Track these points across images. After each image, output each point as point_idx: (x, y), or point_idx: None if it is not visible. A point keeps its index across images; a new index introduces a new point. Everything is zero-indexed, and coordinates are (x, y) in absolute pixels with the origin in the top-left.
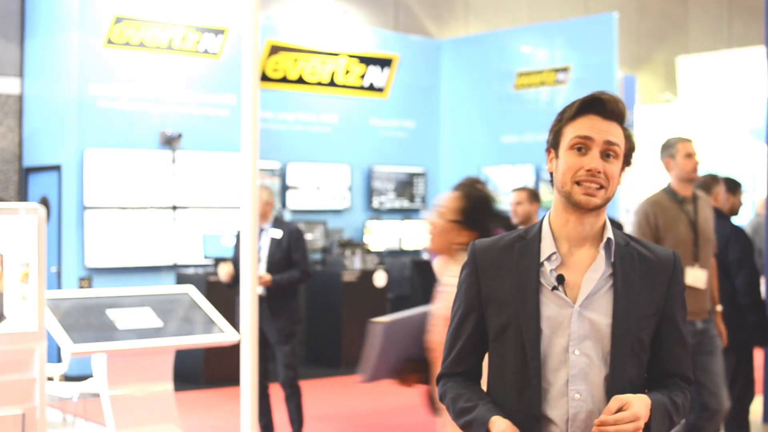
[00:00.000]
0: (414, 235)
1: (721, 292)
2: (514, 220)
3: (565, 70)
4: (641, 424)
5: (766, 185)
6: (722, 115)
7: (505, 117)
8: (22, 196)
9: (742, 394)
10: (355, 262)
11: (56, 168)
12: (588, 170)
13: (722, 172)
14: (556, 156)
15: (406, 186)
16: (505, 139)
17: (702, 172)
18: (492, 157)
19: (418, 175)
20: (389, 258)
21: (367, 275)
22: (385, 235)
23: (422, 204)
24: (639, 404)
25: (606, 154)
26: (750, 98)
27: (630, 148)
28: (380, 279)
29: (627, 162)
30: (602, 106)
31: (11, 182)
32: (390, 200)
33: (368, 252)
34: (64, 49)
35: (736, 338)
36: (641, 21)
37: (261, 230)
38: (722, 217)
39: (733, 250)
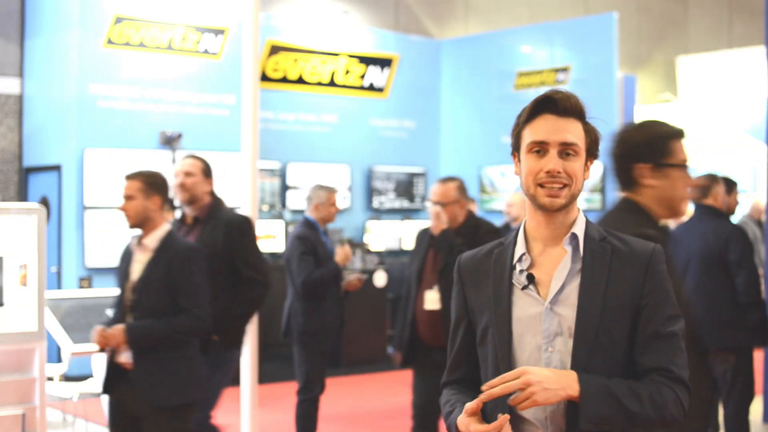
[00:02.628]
0: (414, 235)
1: (721, 292)
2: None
3: (565, 70)
4: (534, 390)
5: (766, 185)
6: (722, 115)
7: (505, 117)
8: (22, 196)
9: (742, 394)
10: (355, 262)
11: (56, 168)
12: (547, 172)
13: (720, 172)
14: (519, 160)
15: (406, 186)
16: (505, 139)
17: (701, 172)
18: (492, 157)
19: (418, 175)
20: (389, 258)
21: (367, 275)
22: (385, 235)
23: (422, 204)
24: (553, 372)
25: (565, 153)
26: (750, 98)
27: (592, 141)
28: (380, 279)
29: (591, 155)
30: (555, 105)
31: (11, 182)
32: (390, 200)
33: (368, 252)
34: (64, 49)
35: (735, 338)
36: (641, 21)
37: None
38: (721, 216)
39: (734, 249)
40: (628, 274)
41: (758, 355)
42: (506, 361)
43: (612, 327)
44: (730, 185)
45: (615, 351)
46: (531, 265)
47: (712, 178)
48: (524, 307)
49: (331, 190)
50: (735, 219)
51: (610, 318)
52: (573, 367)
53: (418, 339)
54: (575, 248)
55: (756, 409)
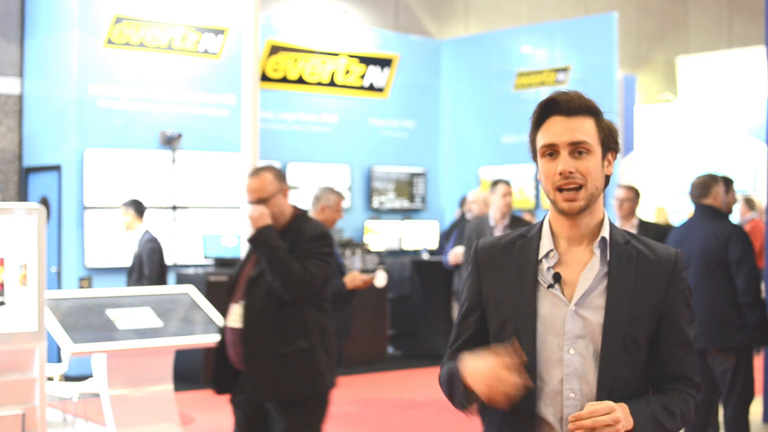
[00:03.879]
0: (414, 235)
1: (721, 292)
2: None
3: (565, 70)
4: (620, 427)
5: (766, 185)
6: (722, 115)
7: (505, 117)
8: (22, 196)
9: (742, 394)
10: (355, 262)
11: (56, 168)
12: (560, 173)
13: (719, 172)
14: (537, 164)
15: (406, 186)
16: (505, 139)
17: (701, 171)
18: (492, 157)
19: (418, 175)
20: (389, 258)
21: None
22: (385, 235)
23: (422, 204)
24: (619, 409)
25: (577, 152)
26: (750, 98)
27: (607, 136)
28: (380, 279)
29: (609, 148)
30: (560, 106)
31: (11, 182)
32: (390, 200)
33: (368, 252)
34: (64, 49)
35: (735, 338)
36: (641, 21)
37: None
38: (721, 216)
39: (734, 249)
40: (653, 279)
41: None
42: (531, 359)
43: (636, 332)
44: (727, 184)
45: (638, 355)
46: (556, 263)
47: (711, 178)
48: (548, 306)
49: (340, 196)
50: (734, 218)
51: (636, 323)
52: (601, 372)
53: (228, 361)
54: (602, 251)
55: (756, 409)
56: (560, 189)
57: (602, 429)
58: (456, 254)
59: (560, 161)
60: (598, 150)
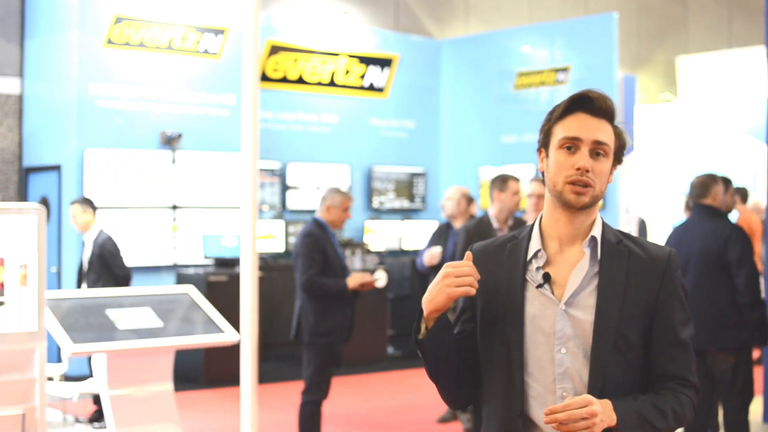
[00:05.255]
0: (414, 235)
1: (721, 292)
2: None
3: (565, 70)
4: (597, 421)
5: (766, 185)
6: (722, 115)
7: (505, 117)
8: (22, 196)
9: (742, 394)
10: (355, 262)
11: (56, 168)
12: (577, 169)
13: (719, 172)
14: (547, 155)
15: (406, 186)
16: (505, 139)
17: (701, 171)
18: (492, 157)
19: (418, 175)
20: (389, 258)
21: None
22: (385, 235)
23: (422, 204)
24: (600, 403)
25: (595, 153)
26: (750, 98)
27: (620, 146)
28: (380, 279)
29: (617, 159)
30: (591, 104)
31: (11, 182)
32: (390, 200)
33: (368, 252)
34: (64, 49)
35: (735, 338)
36: (641, 21)
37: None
38: (721, 216)
39: (733, 249)
40: (645, 278)
41: (758, 355)
42: (519, 358)
43: (628, 331)
44: (726, 184)
45: (630, 354)
46: (546, 263)
47: (711, 178)
48: (538, 306)
49: (346, 196)
50: (733, 217)
51: (627, 322)
52: (592, 371)
53: None
54: (593, 250)
55: (756, 409)
56: (571, 183)
57: (577, 422)
58: (433, 254)
59: (580, 157)
60: (611, 156)
